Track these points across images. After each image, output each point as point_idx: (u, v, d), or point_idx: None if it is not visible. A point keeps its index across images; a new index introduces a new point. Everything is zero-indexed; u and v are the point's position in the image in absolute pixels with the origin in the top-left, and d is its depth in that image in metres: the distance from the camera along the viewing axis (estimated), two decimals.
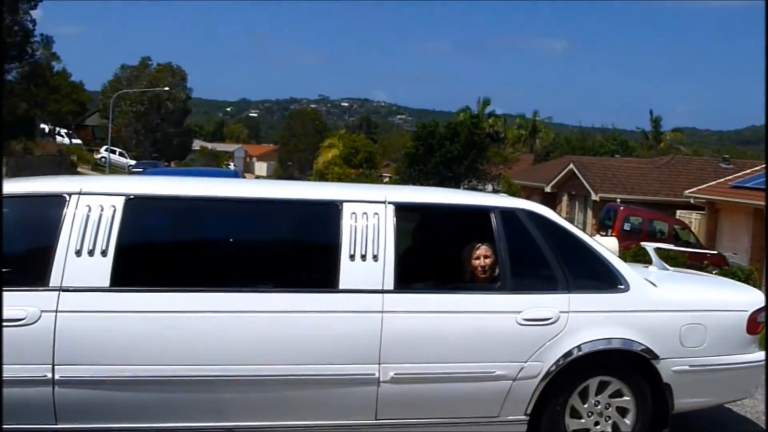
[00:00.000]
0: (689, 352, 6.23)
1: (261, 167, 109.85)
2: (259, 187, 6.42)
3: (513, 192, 50.52)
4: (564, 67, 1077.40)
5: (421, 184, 52.05)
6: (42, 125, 63.42)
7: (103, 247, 5.38)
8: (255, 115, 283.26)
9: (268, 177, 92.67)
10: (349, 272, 5.71)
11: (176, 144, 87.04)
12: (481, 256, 6.31)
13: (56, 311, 5.22)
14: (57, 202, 5.51)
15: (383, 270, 5.76)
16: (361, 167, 71.33)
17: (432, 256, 7.05)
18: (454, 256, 6.63)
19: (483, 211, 6.35)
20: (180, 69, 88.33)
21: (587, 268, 6.28)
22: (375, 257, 5.77)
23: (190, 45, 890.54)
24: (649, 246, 7.66)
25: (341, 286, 5.68)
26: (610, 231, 30.14)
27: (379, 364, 5.65)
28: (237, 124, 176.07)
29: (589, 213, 43.44)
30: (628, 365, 6.20)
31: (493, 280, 6.24)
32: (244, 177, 14.90)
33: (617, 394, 6.22)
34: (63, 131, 73.38)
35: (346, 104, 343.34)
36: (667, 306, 6.27)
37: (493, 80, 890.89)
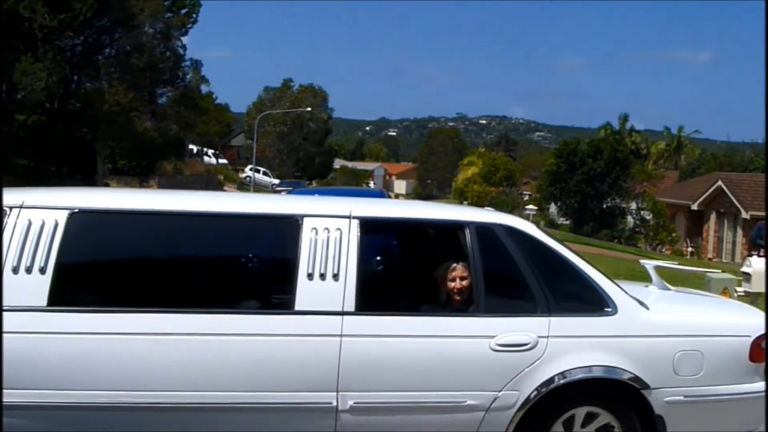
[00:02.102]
0: (684, 381, 5.66)
1: (400, 185, 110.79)
2: (213, 200, 5.95)
3: (658, 210, 49.31)
4: (709, 79, 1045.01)
5: (563, 202, 51.45)
6: (191, 146, 65.86)
7: (42, 264, 5.04)
8: (394, 133, 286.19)
9: (408, 195, 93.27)
10: (306, 292, 5.25)
11: (318, 163, 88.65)
12: (457, 277, 5.84)
13: None
14: None
15: (344, 290, 5.29)
16: (501, 185, 71.03)
17: (400, 275, 6.73)
18: (424, 275, 6.20)
19: (457, 227, 5.93)
20: (321, 90, 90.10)
21: (570, 289, 5.77)
22: (335, 276, 5.30)
23: (331, 66, 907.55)
24: (649, 264, 7.05)
25: (297, 307, 5.22)
26: (761, 250, 28.99)
27: (338, 392, 5.19)
28: (376, 143, 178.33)
29: (739, 231, 41.91)
30: (616, 395, 5.65)
31: (466, 301, 5.77)
32: (389, 196, 14.92)
33: (604, 426, 5.66)
34: (210, 151, 76.02)
35: (484, 122, 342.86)
36: (659, 330, 5.70)
37: (634, 95, 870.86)
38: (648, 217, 50.51)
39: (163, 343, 5.05)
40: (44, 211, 5.20)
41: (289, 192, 23.54)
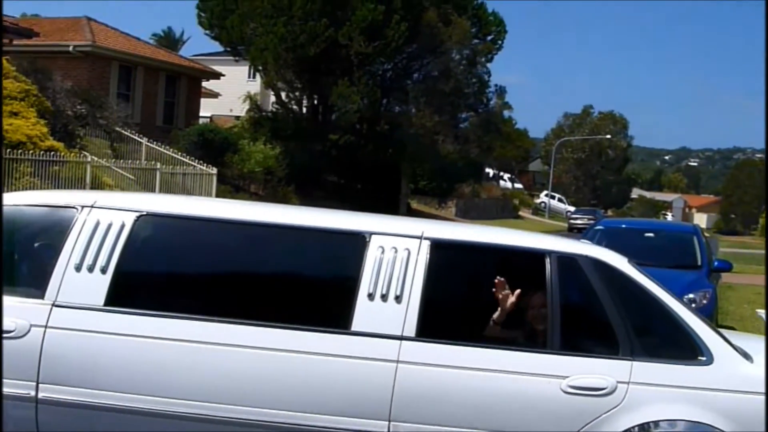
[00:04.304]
0: None
1: (700, 218, 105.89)
2: (282, 211, 5.86)
3: None
4: None
5: None
6: (487, 169, 66.95)
7: (104, 264, 5.05)
8: (695, 164, 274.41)
9: (708, 230, 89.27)
10: (365, 313, 4.97)
11: (614, 192, 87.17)
12: (530, 309, 5.35)
13: (45, 326, 4.91)
14: (68, 213, 5.25)
15: (405, 313, 4.97)
16: None
17: (469, 303, 6.12)
18: (496, 304, 5.62)
19: (537, 255, 5.38)
20: (621, 117, 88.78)
21: (660, 332, 5.21)
22: (398, 298, 5.00)
23: (631, 93, 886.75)
24: (763, 312, 5.99)
25: (354, 328, 4.95)
26: None
27: (389, 420, 4.84)
28: (676, 173, 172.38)
29: None
30: None
31: (539, 336, 5.27)
32: (705, 237, 14.00)
33: None
34: (506, 176, 76.87)
35: None
36: (762, 387, 4.91)
37: None
38: None
39: (210, 353, 4.96)
40: (113, 212, 5.25)
41: (592, 223, 23.16)
